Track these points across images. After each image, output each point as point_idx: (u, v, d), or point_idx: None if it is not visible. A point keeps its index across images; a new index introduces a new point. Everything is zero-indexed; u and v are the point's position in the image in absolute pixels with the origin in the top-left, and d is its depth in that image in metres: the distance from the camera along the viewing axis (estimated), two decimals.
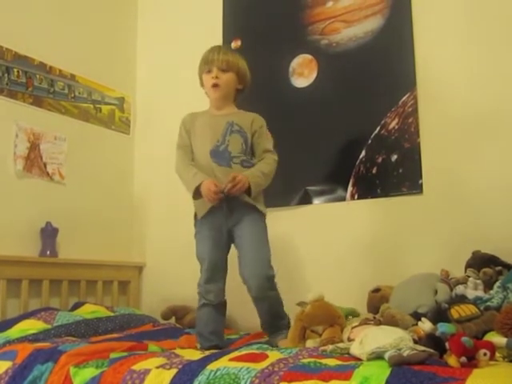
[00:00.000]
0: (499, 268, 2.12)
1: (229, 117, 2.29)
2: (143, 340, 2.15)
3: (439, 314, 1.79)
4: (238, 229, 2.19)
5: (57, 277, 2.90)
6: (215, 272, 2.20)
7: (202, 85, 2.38)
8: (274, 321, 2.20)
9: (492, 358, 1.40)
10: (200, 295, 2.22)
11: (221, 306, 2.22)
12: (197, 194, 2.17)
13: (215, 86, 2.28)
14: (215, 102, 2.33)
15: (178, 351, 1.80)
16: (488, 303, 1.95)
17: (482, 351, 1.38)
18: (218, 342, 2.14)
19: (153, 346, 2.03)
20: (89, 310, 2.70)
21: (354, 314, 2.23)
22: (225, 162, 2.20)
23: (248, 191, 2.16)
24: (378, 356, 1.46)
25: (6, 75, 2.87)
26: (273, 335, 2.18)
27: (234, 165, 2.20)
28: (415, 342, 1.55)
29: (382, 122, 2.67)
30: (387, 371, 1.32)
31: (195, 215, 2.30)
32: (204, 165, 2.22)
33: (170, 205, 3.32)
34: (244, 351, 1.72)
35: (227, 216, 2.19)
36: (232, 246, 2.27)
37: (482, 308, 1.87)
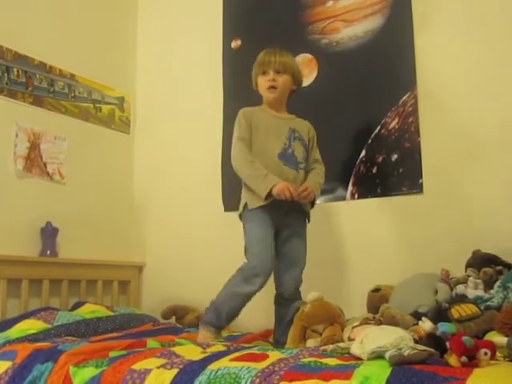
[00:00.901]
0: (499, 267, 2.12)
1: (289, 122, 2.37)
2: (143, 338, 2.15)
3: (439, 314, 1.79)
4: (288, 231, 2.26)
5: (57, 276, 2.90)
6: (270, 257, 2.19)
7: (255, 86, 2.40)
8: (288, 331, 2.13)
9: (492, 357, 1.40)
10: (245, 280, 2.16)
11: (250, 297, 2.19)
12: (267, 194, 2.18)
13: (272, 87, 2.32)
14: (271, 102, 2.37)
15: (179, 351, 1.79)
16: (488, 303, 1.95)
17: (483, 351, 1.38)
18: (227, 324, 2.24)
19: (152, 342, 2.03)
20: (89, 310, 2.70)
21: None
22: (294, 166, 2.28)
23: (311, 201, 2.29)
24: (378, 356, 1.46)
25: (5, 75, 2.87)
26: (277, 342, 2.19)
27: (300, 170, 2.30)
28: (416, 341, 1.55)
29: (382, 121, 2.67)
30: (388, 371, 1.32)
31: (245, 205, 2.27)
32: (272, 165, 2.23)
33: (169, 204, 3.33)
34: (245, 351, 1.72)
35: (282, 215, 2.23)
36: None
37: (482, 307, 1.87)
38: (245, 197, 2.28)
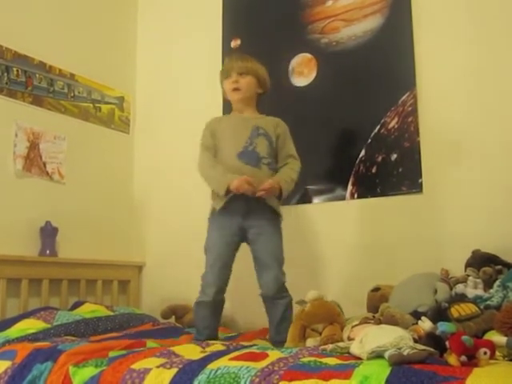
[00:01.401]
0: (499, 267, 2.12)
1: (254, 120, 2.35)
2: (142, 338, 2.15)
3: (439, 313, 1.79)
4: (255, 232, 2.24)
5: (56, 276, 2.89)
6: (220, 267, 2.23)
7: (224, 93, 2.44)
8: (281, 329, 2.17)
9: (492, 356, 1.40)
10: (201, 288, 2.24)
11: (217, 304, 2.25)
12: (226, 191, 2.20)
13: (235, 89, 2.34)
14: (237, 104, 2.39)
15: (178, 350, 1.79)
16: (488, 302, 1.95)
17: (482, 350, 1.38)
18: (211, 334, 2.21)
19: (151, 343, 2.03)
20: (88, 310, 2.69)
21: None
22: (254, 162, 2.26)
23: (278, 195, 2.24)
24: (378, 355, 1.46)
25: (5, 74, 2.86)
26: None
27: (263, 165, 2.27)
28: (415, 341, 1.55)
29: (382, 121, 2.67)
30: (387, 370, 1.32)
31: (212, 210, 2.32)
32: (231, 166, 2.24)
33: (169, 204, 3.33)
34: (244, 351, 1.72)
35: (244, 215, 2.23)
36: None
37: (481, 307, 1.87)
38: (212, 203, 2.31)
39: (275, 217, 2.29)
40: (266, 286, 2.21)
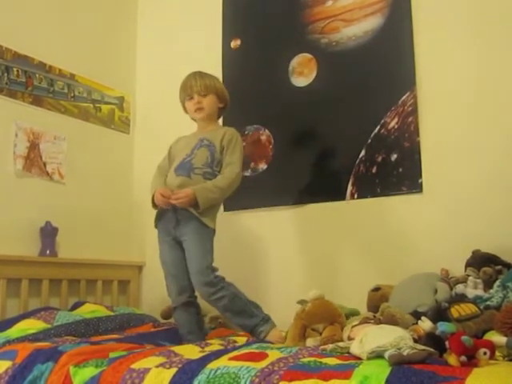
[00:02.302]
0: (499, 267, 2.12)
1: (204, 134, 2.43)
2: (143, 343, 2.14)
3: (439, 313, 1.79)
4: (183, 239, 2.31)
5: (56, 276, 2.90)
6: (174, 275, 2.33)
7: (186, 111, 2.52)
8: (244, 321, 2.24)
9: (492, 357, 1.40)
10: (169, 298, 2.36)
11: (188, 306, 2.31)
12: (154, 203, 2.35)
13: (198, 109, 2.43)
14: (201, 122, 2.49)
15: (178, 350, 1.79)
16: (488, 302, 1.95)
17: (482, 350, 1.38)
18: (198, 338, 2.23)
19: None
20: (89, 310, 2.70)
21: (355, 314, 2.22)
22: (185, 172, 2.33)
23: (196, 205, 2.25)
24: (378, 355, 1.46)
25: (5, 75, 2.87)
26: (253, 334, 2.21)
27: (195, 175, 2.32)
28: (415, 341, 1.56)
29: (382, 121, 2.67)
30: (387, 370, 1.32)
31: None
32: (168, 179, 2.38)
33: None
34: (244, 350, 1.72)
35: (175, 226, 2.32)
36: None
37: (481, 307, 1.87)
38: None
39: (200, 225, 2.28)
40: (197, 292, 2.29)
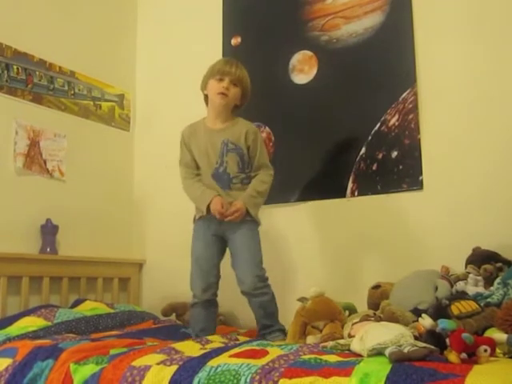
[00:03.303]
0: (499, 264, 2.12)
1: (224, 133, 2.37)
2: (143, 338, 2.15)
3: (440, 311, 1.79)
4: (231, 233, 2.30)
5: (57, 274, 2.90)
6: (205, 270, 2.32)
7: (204, 88, 2.44)
8: (267, 321, 2.26)
9: (492, 354, 1.40)
10: (192, 292, 2.34)
11: (209, 304, 2.30)
12: (208, 209, 2.30)
13: (223, 94, 2.34)
14: (217, 108, 2.39)
15: (178, 347, 1.79)
16: (488, 299, 1.95)
17: (483, 347, 1.38)
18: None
19: (151, 343, 2.03)
20: (89, 307, 2.70)
21: (350, 307, 2.23)
22: (225, 185, 2.33)
23: (247, 214, 2.28)
24: (378, 352, 1.46)
25: (5, 72, 2.86)
26: (266, 336, 2.21)
27: (233, 185, 2.33)
28: (416, 338, 1.55)
29: (383, 118, 2.67)
30: (388, 367, 1.32)
31: (194, 216, 2.42)
32: (209, 185, 2.34)
33: (169, 201, 3.32)
34: (244, 348, 1.72)
35: (221, 222, 2.29)
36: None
37: (482, 304, 1.87)
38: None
39: (251, 221, 2.32)
40: (241, 283, 2.26)
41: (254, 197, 2.31)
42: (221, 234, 2.33)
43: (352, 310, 2.22)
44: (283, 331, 2.23)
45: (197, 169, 2.40)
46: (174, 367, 1.57)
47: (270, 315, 2.26)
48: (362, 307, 2.30)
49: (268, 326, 2.24)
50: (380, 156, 2.66)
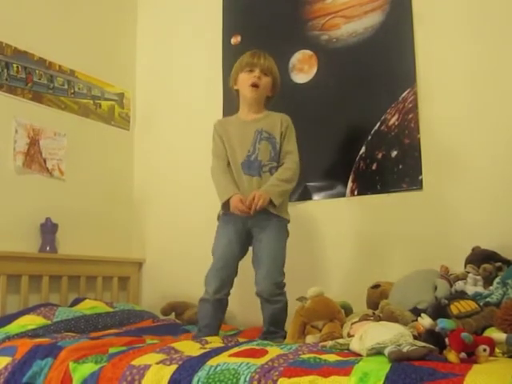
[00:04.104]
0: (499, 264, 2.12)
1: (257, 124, 2.34)
2: (142, 335, 2.15)
3: (439, 310, 1.79)
4: (258, 232, 2.26)
5: (56, 273, 2.90)
6: (223, 268, 2.25)
7: (233, 83, 2.42)
8: (273, 328, 2.22)
9: (491, 353, 1.40)
10: (205, 287, 2.26)
11: (217, 304, 2.25)
12: (226, 204, 2.25)
13: (255, 85, 2.33)
14: (249, 101, 2.37)
15: (178, 347, 1.79)
16: (488, 299, 1.95)
17: (482, 347, 1.38)
18: (210, 333, 2.20)
19: (151, 340, 2.04)
20: (88, 306, 2.70)
21: (346, 306, 2.21)
22: (256, 172, 2.28)
23: (271, 202, 2.22)
24: (377, 352, 1.46)
25: (5, 71, 2.86)
26: (267, 339, 2.19)
27: (264, 173, 2.28)
28: (415, 337, 1.55)
29: (382, 117, 2.67)
30: (387, 367, 1.32)
31: (219, 212, 2.36)
32: (238, 176, 2.29)
33: (169, 200, 3.33)
34: (244, 347, 1.72)
35: (247, 218, 2.24)
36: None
37: (481, 304, 1.87)
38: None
39: (277, 218, 2.28)
40: (260, 286, 2.22)
41: (276, 185, 2.24)
42: (246, 230, 2.27)
43: (348, 309, 2.21)
44: (284, 337, 2.19)
45: (227, 162, 2.35)
46: (174, 366, 1.57)
47: (278, 323, 2.21)
48: (361, 307, 2.30)
49: (272, 332, 2.20)
50: (380, 155, 2.66)
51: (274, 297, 2.19)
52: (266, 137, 2.32)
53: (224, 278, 2.25)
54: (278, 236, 2.28)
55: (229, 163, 2.34)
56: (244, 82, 2.36)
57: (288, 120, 2.40)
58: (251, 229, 2.27)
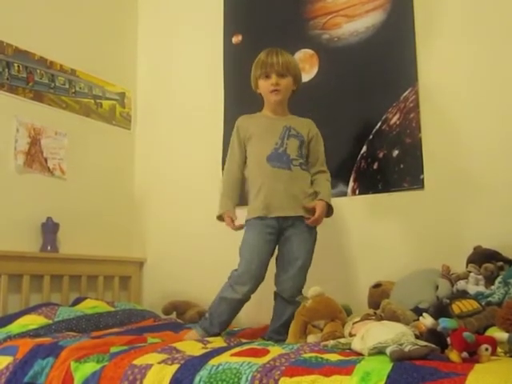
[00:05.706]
0: (500, 263, 2.12)
1: (285, 121, 2.34)
2: (143, 334, 2.15)
3: (440, 310, 1.79)
4: (290, 233, 2.24)
5: (58, 272, 2.90)
6: (258, 269, 2.19)
7: (255, 88, 2.40)
8: (281, 329, 2.20)
9: (493, 353, 1.40)
10: (229, 284, 2.21)
11: (242, 304, 2.23)
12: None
13: (275, 91, 2.30)
14: (274, 105, 2.35)
15: (179, 346, 1.79)
16: (489, 298, 1.95)
17: (484, 346, 1.38)
18: (221, 330, 2.20)
19: (152, 339, 2.04)
20: (90, 306, 2.70)
21: (346, 309, 2.20)
22: (285, 165, 2.25)
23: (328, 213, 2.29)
24: (379, 351, 1.46)
25: (6, 70, 2.86)
26: (272, 337, 2.19)
27: (294, 167, 2.26)
28: (417, 337, 1.55)
29: (384, 117, 2.67)
30: (389, 366, 1.32)
31: (247, 218, 2.31)
32: (263, 171, 2.24)
33: (170, 200, 3.33)
34: (245, 346, 1.73)
35: (282, 220, 2.22)
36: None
37: (483, 303, 1.88)
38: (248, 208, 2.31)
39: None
40: (283, 286, 2.22)
41: (329, 196, 2.30)
42: (285, 226, 2.23)
43: (347, 312, 2.21)
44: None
45: (244, 163, 2.32)
46: (176, 366, 1.57)
47: (287, 325, 2.15)
48: (362, 306, 2.30)
49: (279, 332, 2.19)
50: (381, 155, 2.66)
51: (292, 298, 2.19)
52: (294, 134, 2.31)
53: (259, 279, 2.19)
54: (310, 240, 2.27)
55: (244, 162, 2.32)
56: (264, 88, 2.33)
57: (316, 129, 2.40)
58: (284, 230, 2.24)
